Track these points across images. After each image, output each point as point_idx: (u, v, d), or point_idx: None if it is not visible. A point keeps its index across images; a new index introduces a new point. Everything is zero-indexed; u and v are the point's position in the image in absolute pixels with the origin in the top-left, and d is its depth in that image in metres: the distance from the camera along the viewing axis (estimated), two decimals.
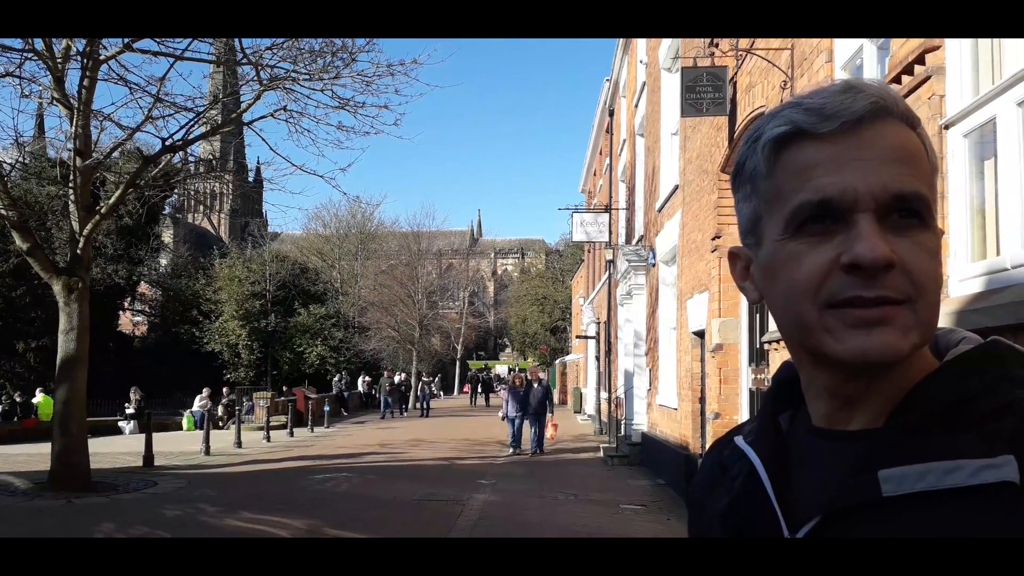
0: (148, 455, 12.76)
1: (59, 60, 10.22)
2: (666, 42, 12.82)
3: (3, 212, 10.17)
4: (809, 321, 0.67)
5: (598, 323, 22.29)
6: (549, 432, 15.90)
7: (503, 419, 15.87)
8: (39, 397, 20.12)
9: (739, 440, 0.81)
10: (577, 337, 31.79)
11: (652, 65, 14.38)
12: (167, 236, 49.94)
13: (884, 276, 0.64)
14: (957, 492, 0.61)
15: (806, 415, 0.76)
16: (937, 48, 4.04)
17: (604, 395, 20.21)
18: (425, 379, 30.36)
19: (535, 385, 15.60)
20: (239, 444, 16.10)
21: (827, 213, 0.66)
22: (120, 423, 21.67)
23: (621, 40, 19.09)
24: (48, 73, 10.30)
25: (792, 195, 0.68)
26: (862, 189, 0.65)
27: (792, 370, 0.78)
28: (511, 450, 15.07)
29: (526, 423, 15.37)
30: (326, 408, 23.13)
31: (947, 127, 3.98)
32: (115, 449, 15.06)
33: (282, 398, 23.62)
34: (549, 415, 15.76)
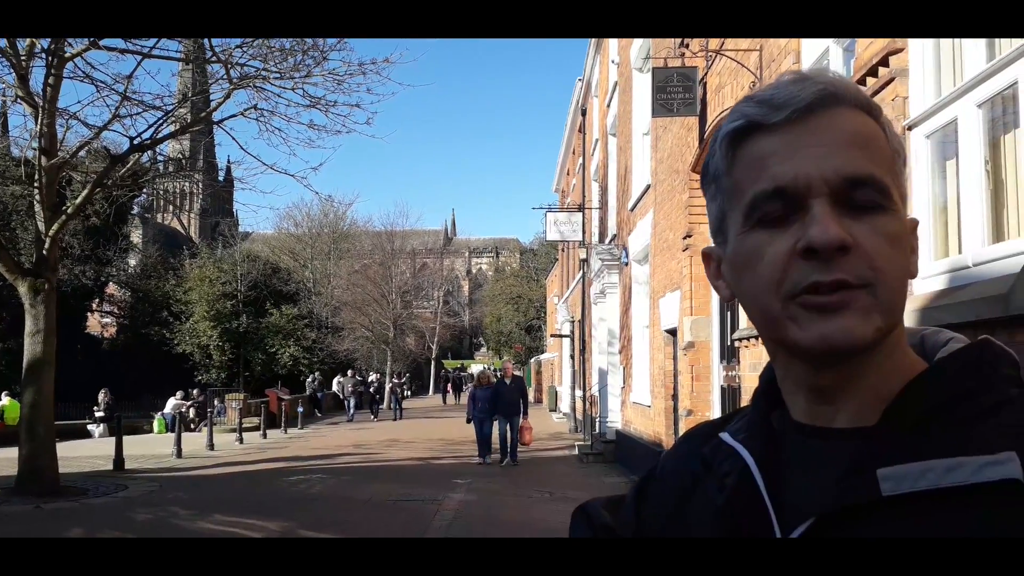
0: (118, 458, 12.57)
1: (23, 57, 10.03)
2: (637, 42, 12.90)
3: None
4: (774, 313, 0.67)
5: (572, 322, 22.38)
6: (524, 437, 13.90)
7: (468, 422, 13.93)
8: (5, 400, 19.71)
9: (726, 437, 0.78)
10: (551, 336, 31.90)
11: (624, 65, 14.47)
12: (136, 236, 49.12)
13: (840, 260, 0.63)
14: (959, 491, 0.59)
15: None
16: (901, 51, 4.12)
17: (579, 393, 20.30)
18: (396, 380, 29.77)
19: (507, 383, 13.61)
20: (211, 446, 15.93)
21: (783, 201, 0.66)
22: (89, 426, 21.34)
23: (593, 40, 19.16)
24: (11, 71, 10.10)
25: (749, 187, 0.68)
26: (814, 174, 0.65)
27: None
28: (479, 460, 13.18)
29: (496, 427, 13.39)
30: (299, 409, 22.96)
31: (910, 128, 4.07)
32: (84, 453, 14.82)
33: (254, 399, 23.41)
34: (524, 418, 13.73)
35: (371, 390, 27.67)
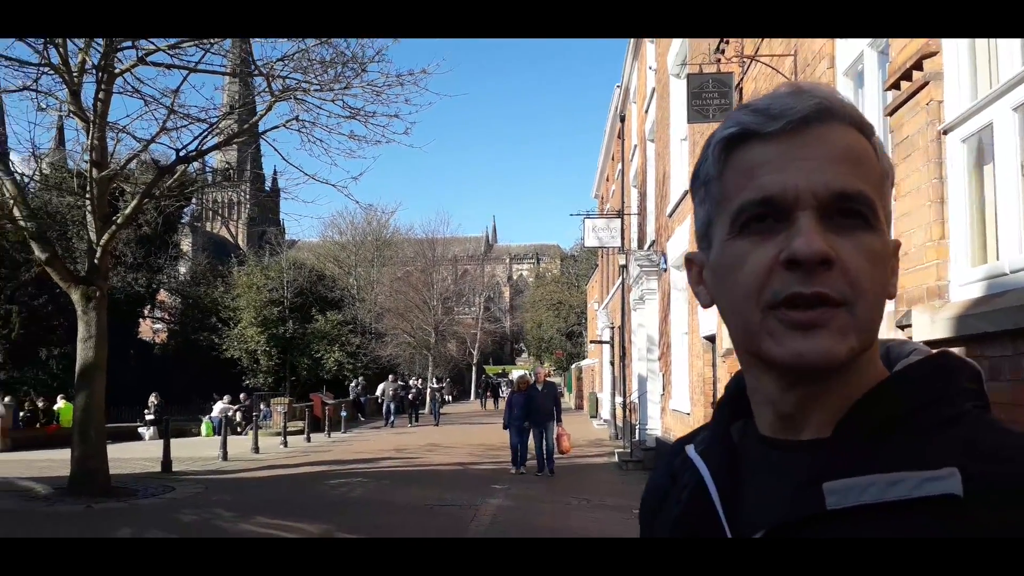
0: (166, 460, 12.92)
1: (75, 74, 10.41)
2: (674, 48, 12.83)
3: (22, 223, 10.37)
4: (753, 323, 0.67)
5: (612, 328, 22.27)
6: (562, 445, 13.37)
7: (505, 428, 13.36)
8: (60, 403, 20.42)
9: (690, 450, 0.79)
10: (591, 342, 31.77)
11: (661, 71, 14.40)
12: (186, 245, 50.41)
13: (822, 274, 0.63)
14: (901, 505, 0.60)
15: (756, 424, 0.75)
16: (935, 54, 4.05)
17: (619, 400, 20.18)
18: (434, 386, 29.75)
19: (540, 388, 13.14)
20: (256, 449, 16.25)
21: (770, 211, 0.66)
22: (140, 429, 21.94)
23: (631, 47, 19.10)
24: (64, 87, 10.49)
25: (737, 195, 0.68)
26: (803, 187, 0.65)
27: (744, 380, 0.77)
28: (513, 468, 12.76)
29: (532, 435, 12.95)
30: (343, 413, 23.27)
31: (945, 132, 3.99)
32: (134, 455, 15.26)
33: (299, 404, 23.81)
34: (558, 425, 13.19)
35: (409, 396, 27.66)
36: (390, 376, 28.25)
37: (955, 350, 3.23)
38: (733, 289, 0.68)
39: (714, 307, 0.76)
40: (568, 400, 39.59)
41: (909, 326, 3.88)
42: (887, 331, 4.15)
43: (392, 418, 25.47)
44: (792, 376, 0.67)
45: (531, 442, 12.94)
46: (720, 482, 0.73)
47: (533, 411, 12.73)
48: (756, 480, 0.71)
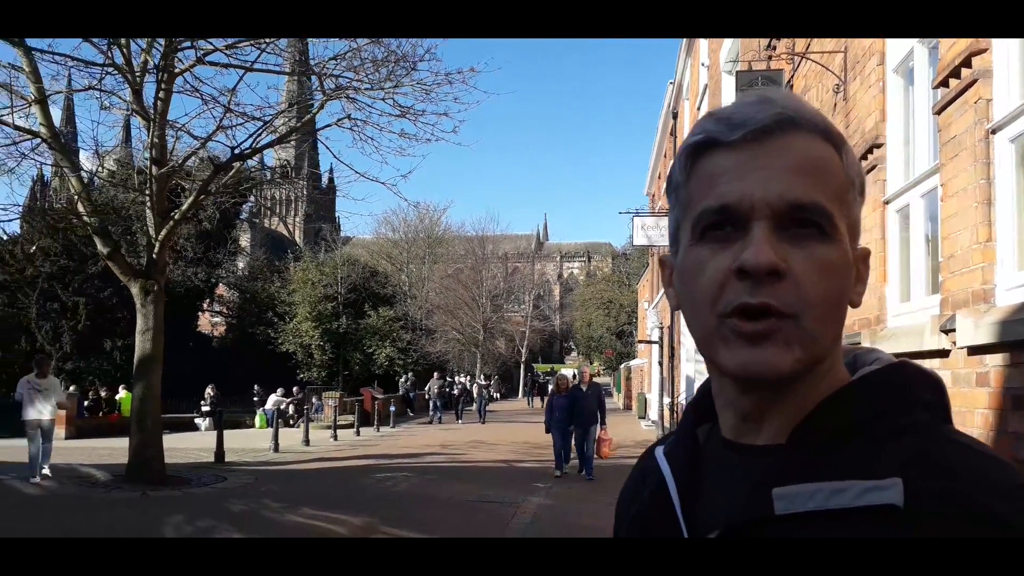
0: (219, 451, 13.30)
1: (137, 74, 10.79)
2: (726, 45, 12.64)
3: (86, 219, 10.81)
4: (709, 329, 0.68)
5: (661, 328, 22.06)
6: (602, 451, 12.97)
7: (547, 432, 12.77)
8: (122, 393, 21.20)
9: (658, 451, 0.81)
10: (640, 342, 31.51)
11: (713, 68, 14.20)
12: (244, 240, 51.71)
13: (771, 284, 0.64)
14: (844, 513, 0.61)
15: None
16: (984, 51, 3.92)
17: (667, 400, 19.99)
18: (481, 382, 29.77)
19: (584, 390, 12.49)
20: (307, 442, 16.60)
21: (728, 220, 0.67)
22: (196, 420, 22.62)
23: (684, 44, 18.87)
24: (127, 86, 10.89)
25: (699, 201, 0.69)
26: (759, 196, 0.66)
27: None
28: (558, 472, 12.26)
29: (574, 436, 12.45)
30: (392, 408, 23.59)
31: (993, 132, 3.86)
32: (190, 445, 15.76)
33: (350, 398, 24.23)
34: (601, 428, 12.70)
35: (455, 392, 27.74)
36: (435, 373, 28.42)
37: (999, 356, 3.11)
38: (694, 295, 0.69)
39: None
40: (617, 400, 39.33)
41: (953, 330, 3.77)
42: (931, 335, 4.03)
43: (439, 414, 25.57)
44: (742, 384, 0.69)
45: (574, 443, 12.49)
46: (680, 482, 0.74)
47: (577, 413, 12.12)
48: (715, 482, 0.72)
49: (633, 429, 23.28)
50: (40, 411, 10.54)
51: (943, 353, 3.96)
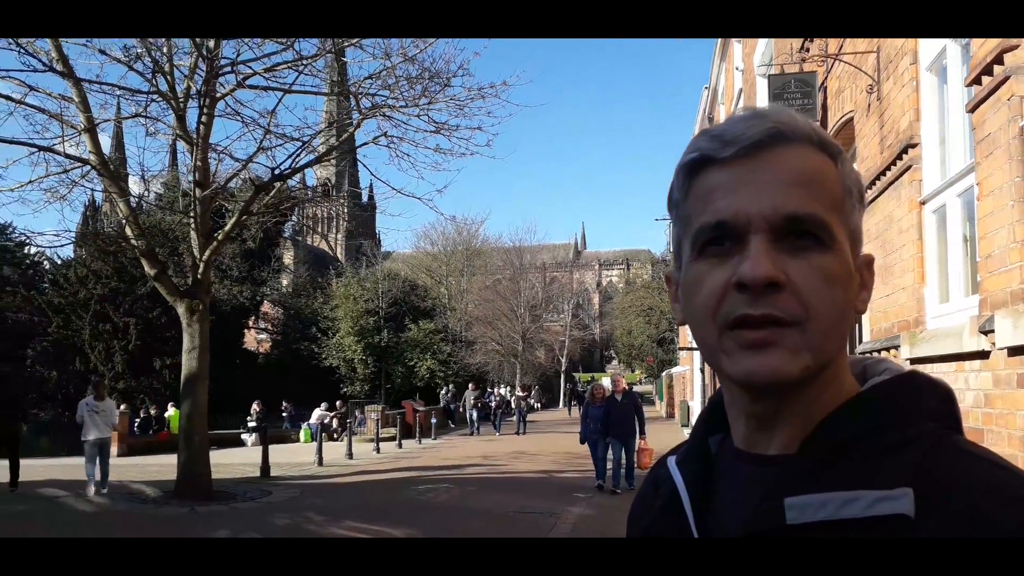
0: (265, 466, 13.54)
1: (181, 100, 11.13)
2: (760, 49, 12.56)
3: (133, 241, 11.15)
4: (712, 342, 0.69)
5: None
6: (643, 461, 12.12)
7: (582, 443, 12.38)
8: (171, 411, 21.71)
9: (670, 461, 0.82)
10: (681, 349, 31.21)
11: (748, 72, 14.10)
12: (288, 258, 52.61)
13: (771, 295, 0.65)
14: (855, 523, 0.61)
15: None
16: (1015, 48, 3.85)
17: None
18: (520, 394, 29.51)
19: (618, 399, 11.88)
20: (350, 455, 16.79)
21: (725, 235, 0.68)
22: (243, 435, 23.04)
23: (718, 47, 18.77)
24: (171, 112, 11.24)
25: (697, 218, 0.70)
26: (754, 211, 0.67)
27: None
28: (600, 481, 11.77)
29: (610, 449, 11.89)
30: (433, 420, 23.73)
31: None
32: (236, 460, 16.05)
33: (392, 411, 24.45)
34: (640, 439, 12.04)
35: (492, 404, 27.33)
36: (470, 385, 28.24)
37: None
38: (695, 309, 0.71)
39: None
40: (660, 408, 38.96)
41: (992, 331, 3.70)
42: (970, 336, 3.96)
43: (477, 426, 25.36)
44: (752, 393, 0.70)
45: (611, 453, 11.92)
46: (693, 491, 0.75)
47: (611, 424, 11.64)
48: (727, 491, 0.74)
49: (676, 437, 23.04)
50: (100, 431, 11.08)
51: (983, 355, 3.88)
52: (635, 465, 11.91)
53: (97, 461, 11.00)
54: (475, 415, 25.50)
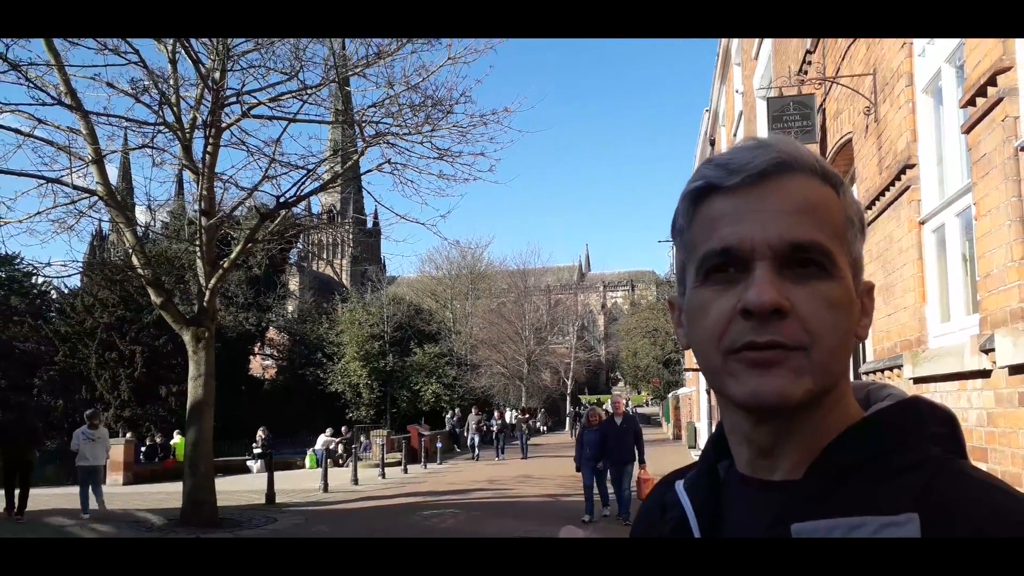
0: (270, 493, 13.49)
1: (187, 130, 11.28)
2: (759, 71, 12.70)
3: (139, 271, 11.23)
4: (716, 366, 0.70)
5: None
6: (643, 493, 10.20)
7: (577, 470, 11.44)
8: (176, 438, 21.67)
9: (678, 485, 0.82)
10: (687, 370, 31.13)
11: (748, 94, 14.23)
12: (293, 284, 52.71)
13: (777, 322, 0.66)
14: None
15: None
16: (1008, 69, 3.90)
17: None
18: (521, 416, 29.11)
19: (617, 423, 11.01)
20: (355, 481, 16.73)
21: (730, 262, 0.69)
22: (248, 462, 22.96)
23: (718, 70, 18.96)
24: (178, 143, 11.38)
25: (702, 245, 0.71)
26: (759, 238, 0.68)
27: None
28: (587, 516, 10.82)
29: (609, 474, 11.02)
30: (438, 445, 23.64)
31: (1022, 149, 3.83)
32: (242, 487, 16.00)
33: (398, 436, 24.37)
34: (640, 467, 10.69)
35: (494, 428, 26.76)
36: (473, 409, 27.74)
37: None
38: (700, 334, 0.72)
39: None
40: (666, 430, 38.74)
41: (992, 350, 3.71)
42: (971, 355, 3.97)
43: (478, 452, 24.80)
44: (754, 415, 0.71)
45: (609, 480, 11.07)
46: (701, 518, 0.76)
47: (609, 450, 10.78)
48: (734, 517, 0.74)
49: (683, 459, 22.77)
50: (95, 458, 11.93)
51: (984, 373, 3.89)
52: (631, 495, 10.71)
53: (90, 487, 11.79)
54: (476, 439, 24.98)
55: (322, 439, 23.85)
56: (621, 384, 64.46)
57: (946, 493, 0.63)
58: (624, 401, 12.30)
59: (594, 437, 11.03)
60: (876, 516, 0.62)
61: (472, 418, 26.14)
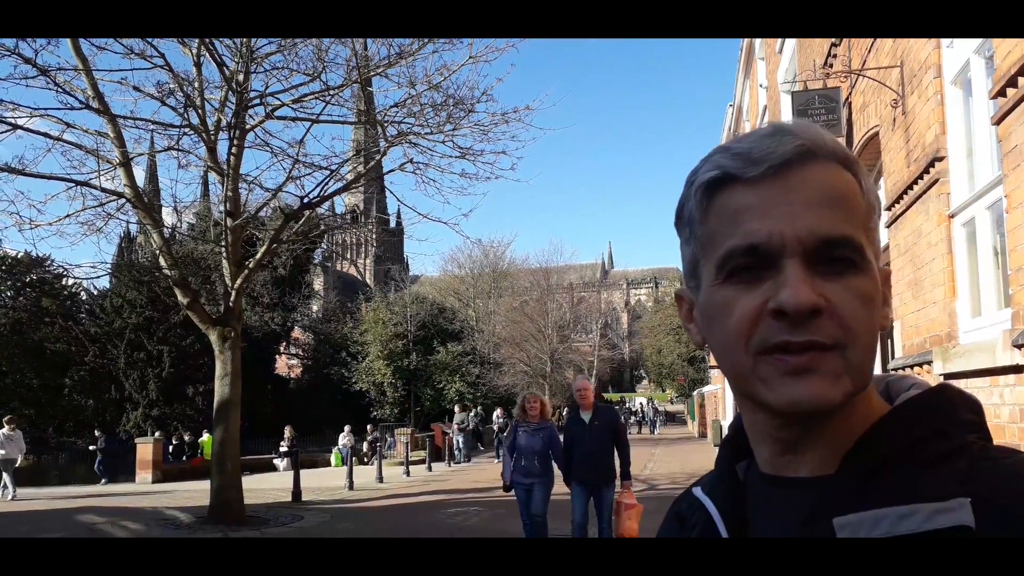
0: (296, 490, 13.62)
1: (212, 132, 11.39)
2: (783, 65, 12.56)
3: (166, 271, 11.37)
4: (744, 369, 0.66)
5: None
6: (622, 527, 6.81)
7: (507, 489, 7.91)
8: (204, 437, 21.94)
9: (697, 491, 0.79)
10: (712, 367, 30.92)
11: (772, 89, 14.09)
12: (318, 284, 53.09)
13: (812, 321, 0.63)
14: (913, 539, 0.59)
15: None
16: None
17: None
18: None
19: (585, 420, 7.10)
20: (380, 479, 16.84)
21: (756, 258, 0.65)
22: (275, 460, 23.21)
23: (742, 64, 18.79)
24: (203, 145, 11.50)
25: (723, 240, 0.67)
26: (789, 234, 0.64)
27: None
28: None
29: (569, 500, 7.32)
30: (460, 441, 23.67)
31: None
32: (268, 485, 16.16)
33: (422, 434, 24.47)
34: (624, 484, 7.04)
35: (479, 430, 25.40)
36: (497, 409, 26.77)
37: None
38: (722, 334, 0.68)
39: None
40: (692, 427, 38.52)
41: (1022, 346, 3.64)
42: (1003, 351, 3.89)
43: (465, 453, 22.89)
44: (786, 418, 0.68)
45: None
46: (728, 520, 0.74)
47: (578, 460, 7.02)
48: (760, 518, 0.72)
49: (709, 458, 22.71)
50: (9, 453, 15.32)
51: (1017, 369, 3.82)
52: (611, 529, 7.13)
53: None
54: (460, 440, 22.71)
55: (342, 438, 24.10)
56: (645, 382, 64.14)
57: (993, 476, 0.61)
58: (590, 383, 7.64)
59: (533, 442, 7.39)
60: (926, 503, 0.60)
61: (458, 417, 24.28)
